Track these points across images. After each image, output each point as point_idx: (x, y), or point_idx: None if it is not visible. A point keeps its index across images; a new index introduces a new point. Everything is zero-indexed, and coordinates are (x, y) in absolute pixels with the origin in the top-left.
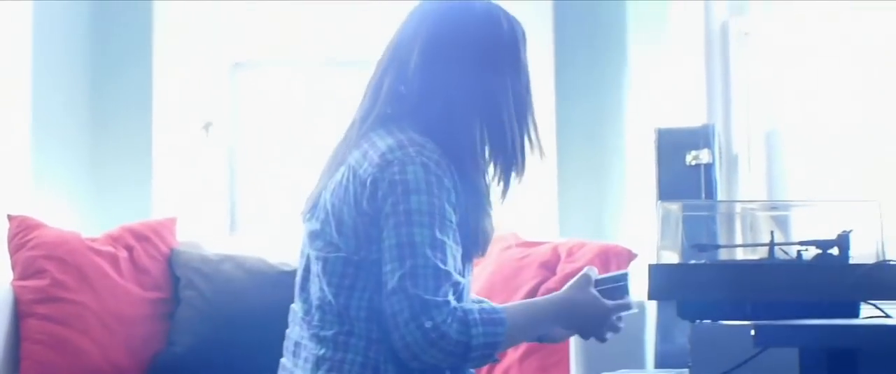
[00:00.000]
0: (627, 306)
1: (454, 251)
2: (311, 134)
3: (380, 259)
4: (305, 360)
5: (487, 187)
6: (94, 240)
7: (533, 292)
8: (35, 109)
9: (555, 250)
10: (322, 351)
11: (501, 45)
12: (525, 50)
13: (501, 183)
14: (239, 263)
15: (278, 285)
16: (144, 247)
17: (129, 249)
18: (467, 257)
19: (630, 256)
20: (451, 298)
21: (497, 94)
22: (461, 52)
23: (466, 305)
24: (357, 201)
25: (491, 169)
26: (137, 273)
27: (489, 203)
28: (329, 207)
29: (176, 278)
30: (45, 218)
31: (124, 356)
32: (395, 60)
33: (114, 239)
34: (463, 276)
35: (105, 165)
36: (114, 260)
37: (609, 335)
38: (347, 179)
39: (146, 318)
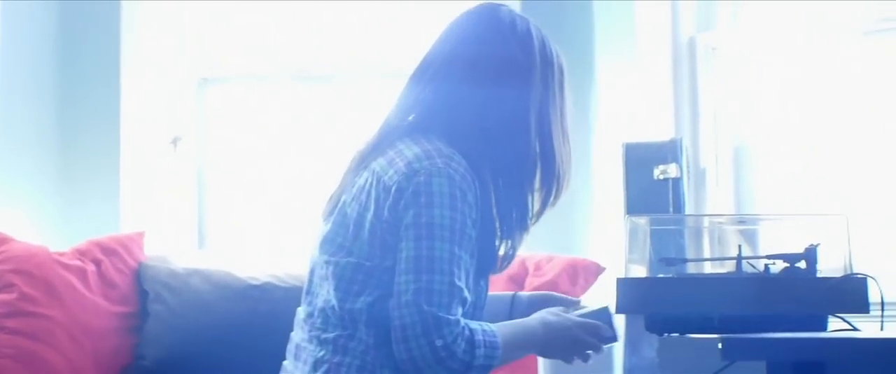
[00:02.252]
0: (612, 338)
1: (468, 267)
2: (279, 149)
3: (392, 267)
4: (304, 362)
5: (531, 205)
6: (62, 254)
7: None
8: (2, 124)
9: (522, 263)
10: (321, 353)
11: (555, 67)
12: (567, 79)
13: (541, 203)
14: (207, 277)
15: (246, 298)
16: (113, 261)
17: (98, 263)
18: (483, 273)
19: (598, 269)
20: (460, 314)
21: (553, 114)
22: (524, 69)
23: (472, 324)
24: (379, 207)
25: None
26: (105, 287)
27: (530, 220)
28: (348, 210)
29: (144, 291)
30: (13, 232)
31: (93, 369)
32: (438, 71)
33: (82, 253)
34: (475, 291)
35: (73, 180)
36: (82, 274)
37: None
38: (371, 185)
39: (114, 332)
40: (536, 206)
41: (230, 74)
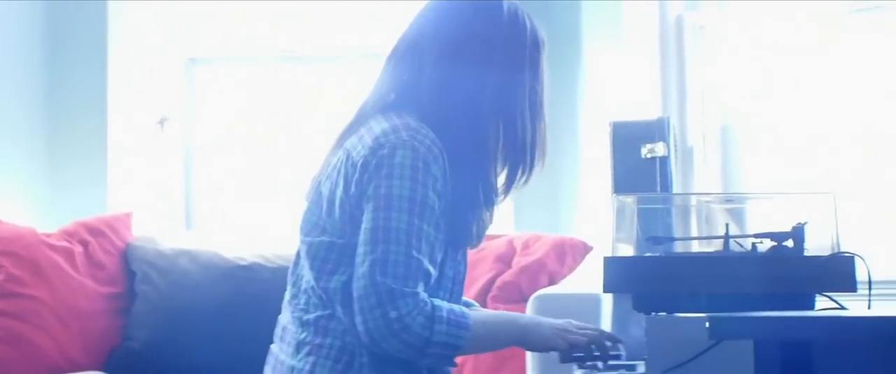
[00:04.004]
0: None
1: (432, 240)
2: (265, 129)
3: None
4: (288, 344)
5: (495, 181)
6: (49, 235)
7: (488, 285)
8: None
9: (510, 243)
10: (303, 335)
11: (524, 45)
12: (544, 55)
13: (506, 180)
14: (194, 257)
15: (233, 279)
16: (100, 242)
17: (85, 244)
18: (457, 247)
19: (585, 249)
20: (419, 289)
21: (516, 91)
22: (483, 47)
23: (437, 301)
24: (347, 183)
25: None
26: (93, 268)
27: (495, 196)
28: (323, 189)
29: (131, 272)
30: (0, 214)
31: (80, 351)
32: (406, 51)
33: (69, 234)
34: (445, 266)
35: (60, 161)
36: (69, 255)
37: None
38: (342, 162)
39: (102, 313)
40: (502, 182)
41: (217, 55)
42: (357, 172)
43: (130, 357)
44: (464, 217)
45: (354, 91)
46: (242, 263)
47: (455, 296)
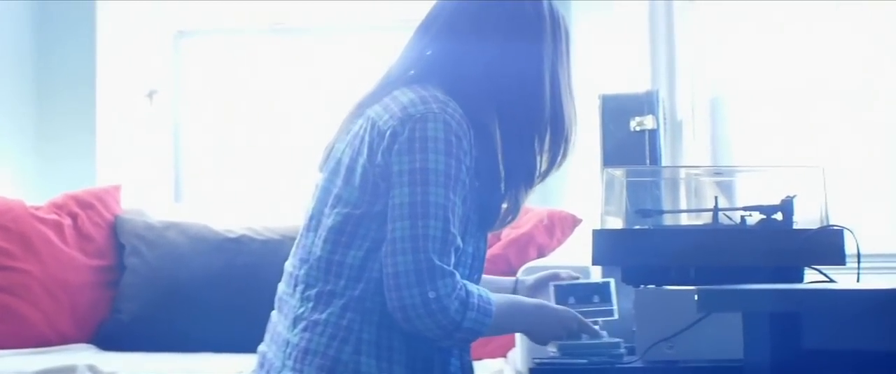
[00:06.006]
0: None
1: (461, 213)
2: (254, 101)
3: (382, 213)
4: (286, 316)
5: (539, 164)
6: (38, 208)
7: None
8: None
9: None
10: (301, 310)
11: (561, 32)
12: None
13: (547, 165)
14: (183, 230)
15: (222, 251)
16: (89, 214)
17: (74, 216)
18: (482, 228)
19: (574, 221)
20: (454, 265)
21: (563, 75)
22: (536, 27)
23: (469, 284)
24: (372, 152)
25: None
26: (82, 241)
27: (535, 177)
28: (341, 157)
29: (120, 245)
30: None
31: (70, 323)
32: (444, 25)
33: (58, 207)
34: (466, 242)
35: (49, 134)
36: (58, 228)
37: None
38: (365, 130)
39: (91, 285)
40: (543, 166)
41: (206, 27)
42: (385, 141)
43: (119, 330)
44: (496, 198)
45: (343, 63)
46: (231, 235)
47: (474, 272)
